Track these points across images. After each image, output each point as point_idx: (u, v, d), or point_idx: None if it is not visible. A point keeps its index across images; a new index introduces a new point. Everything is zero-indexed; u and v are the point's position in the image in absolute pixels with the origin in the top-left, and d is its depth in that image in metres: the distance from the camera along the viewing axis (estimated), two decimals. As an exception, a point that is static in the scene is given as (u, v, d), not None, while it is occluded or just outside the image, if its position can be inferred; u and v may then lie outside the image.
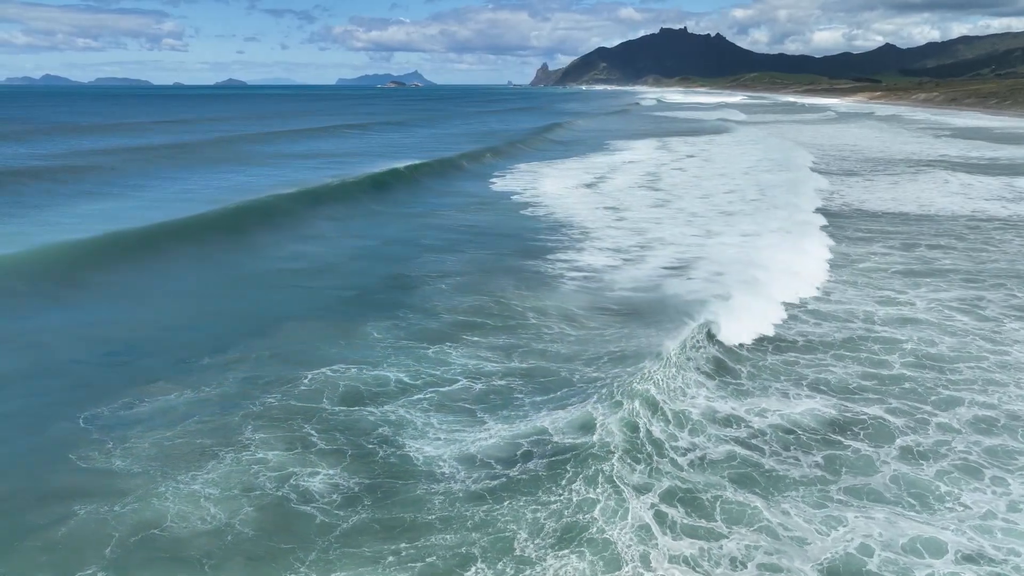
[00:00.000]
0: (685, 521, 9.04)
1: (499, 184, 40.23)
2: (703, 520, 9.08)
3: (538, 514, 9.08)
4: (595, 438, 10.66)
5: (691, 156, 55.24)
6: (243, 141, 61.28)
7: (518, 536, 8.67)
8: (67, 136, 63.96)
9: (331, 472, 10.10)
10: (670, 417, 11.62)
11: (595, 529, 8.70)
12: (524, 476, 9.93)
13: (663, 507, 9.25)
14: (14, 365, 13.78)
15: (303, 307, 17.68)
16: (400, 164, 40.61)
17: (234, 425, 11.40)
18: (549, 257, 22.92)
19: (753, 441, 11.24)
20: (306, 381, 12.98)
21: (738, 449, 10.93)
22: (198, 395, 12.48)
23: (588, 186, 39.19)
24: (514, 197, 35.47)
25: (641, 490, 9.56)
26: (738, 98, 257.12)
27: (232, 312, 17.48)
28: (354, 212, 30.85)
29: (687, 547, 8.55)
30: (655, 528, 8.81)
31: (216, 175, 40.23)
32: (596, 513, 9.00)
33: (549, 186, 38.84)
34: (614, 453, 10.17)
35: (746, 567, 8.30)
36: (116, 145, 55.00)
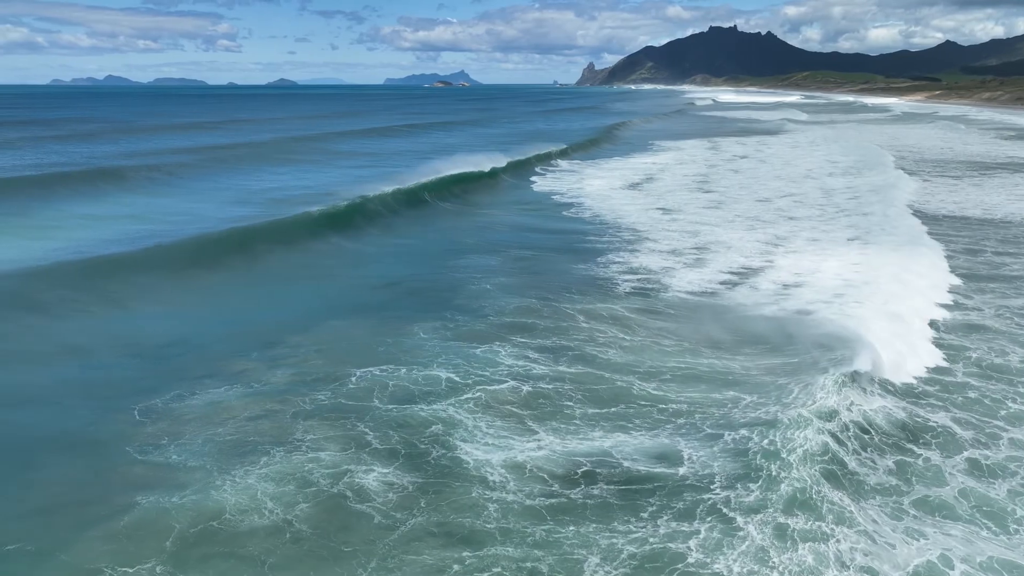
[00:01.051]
0: (804, 527, 8.67)
1: (570, 184, 39.91)
2: (818, 522, 8.74)
3: (613, 541, 8.58)
4: (684, 471, 9.99)
5: (762, 160, 54.20)
6: (309, 141, 61.07)
7: (588, 560, 8.26)
8: (138, 136, 65.35)
9: (385, 471, 10.09)
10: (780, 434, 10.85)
11: (692, 560, 8.20)
12: (590, 501, 9.43)
13: (783, 519, 8.78)
14: (76, 358, 14.22)
15: (349, 305, 17.82)
16: (461, 169, 39.21)
17: (286, 420, 11.53)
18: (603, 258, 22.67)
19: (839, 435, 10.87)
20: (354, 379, 13.05)
21: (830, 442, 10.54)
22: (248, 390, 12.67)
23: (661, 186, 38.74)
24: (575, 198, 35.20)
25: (754, 510, 9.00)
26: (794, 97, 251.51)
27: (279, 309, 17.77)
28: (419, 213, 30.62)
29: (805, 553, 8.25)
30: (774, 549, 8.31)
31: (279, 175, 40.67)
32: (692, 544, 8.45)
33: (611, 186, 38.53)
34: (716, 482, 9.62)
35: (847, 568, 8.05)
36: (184, 145, 55.24)
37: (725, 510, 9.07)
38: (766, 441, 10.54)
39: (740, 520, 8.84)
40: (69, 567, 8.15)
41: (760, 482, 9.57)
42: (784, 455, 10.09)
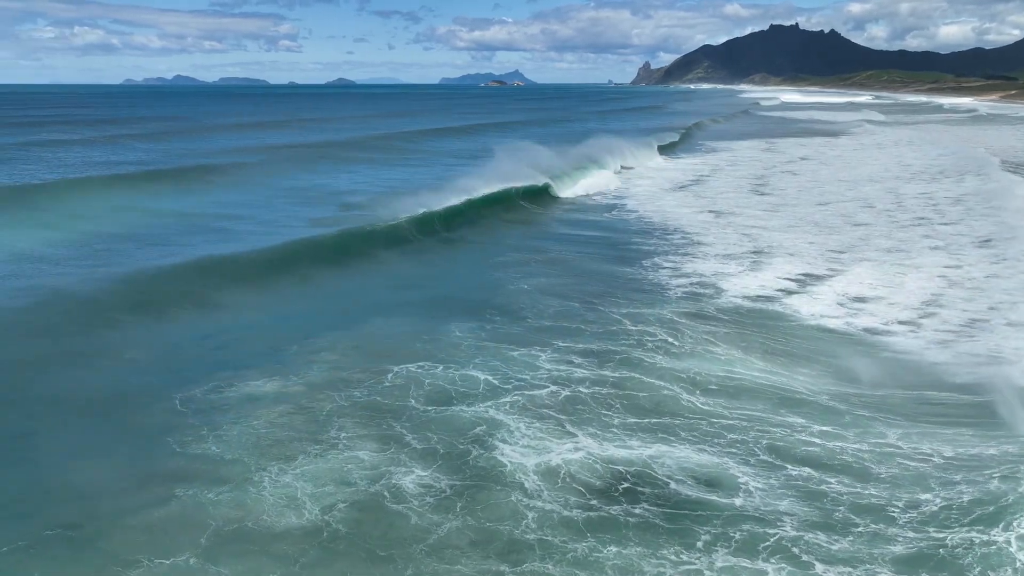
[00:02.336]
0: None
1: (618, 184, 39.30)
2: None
3: (661, 569, 7.91)
4: (741, 501, 9.16)
5: (821, 160, 52.53)
6: (373, 140, 61.02)
7: None
8: (209, 134, 66.81)
9: (424, 473, 9.93)
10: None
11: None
12: (631, 519, 8.86)
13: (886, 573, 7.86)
14: (119, 348, 14.44)
15: (386, 303, 17.80)
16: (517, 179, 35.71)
17: (323, 416, 11.50)
18: (651, 261, 22.17)
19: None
20: (389, 377, 12.97)
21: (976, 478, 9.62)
22: (286, 382, 12.72)
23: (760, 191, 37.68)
24: (622, 199, 34.56)
25: (839, 560, 8.03)
26: (864, 97, 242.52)
27: (318, 305, 17.90)
28: (461, 213, 29.80)
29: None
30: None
31: (343, 175, 40.65)
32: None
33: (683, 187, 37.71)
34: (786, 521, 8.69)
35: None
36: (254, 144, 55.57)
37: (796, 550, 8.19)
38: (851, 489, 9.38)
39: (819, 567, 7.98)
40: (107, 555, 8.21)
41: (853, 537, 8.45)
42: (892, 512, 8.87)
